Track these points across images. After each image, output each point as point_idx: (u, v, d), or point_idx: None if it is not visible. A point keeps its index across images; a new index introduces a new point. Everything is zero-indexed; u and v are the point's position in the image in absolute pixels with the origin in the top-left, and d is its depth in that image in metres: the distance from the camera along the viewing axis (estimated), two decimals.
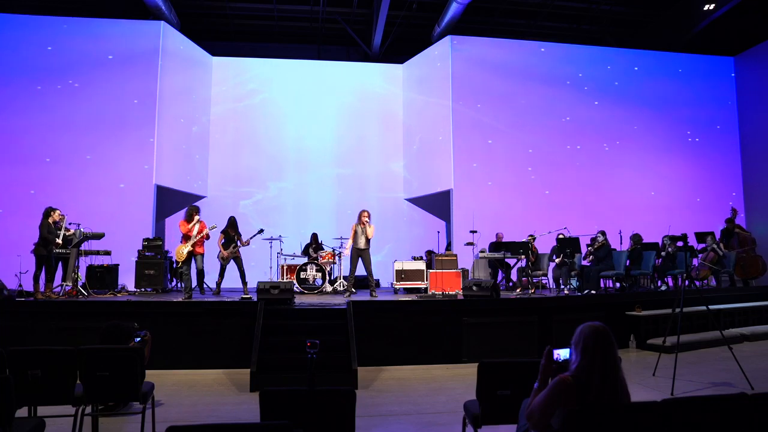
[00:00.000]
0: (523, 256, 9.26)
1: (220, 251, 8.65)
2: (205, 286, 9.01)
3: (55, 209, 7.69)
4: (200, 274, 8.65)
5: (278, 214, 12.11)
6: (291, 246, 10.49)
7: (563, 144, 12.07)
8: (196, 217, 8.07)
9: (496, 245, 9.89)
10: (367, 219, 8.36)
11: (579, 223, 10.62)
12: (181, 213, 11.57)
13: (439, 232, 11.22)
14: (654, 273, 9.50)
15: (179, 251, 7.97)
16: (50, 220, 7.53)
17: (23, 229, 8.66)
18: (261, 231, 8.76)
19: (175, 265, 10.04)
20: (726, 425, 2.39)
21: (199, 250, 8.12)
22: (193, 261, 8.07)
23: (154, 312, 6.71)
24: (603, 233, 9.00)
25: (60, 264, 8.00)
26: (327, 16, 12.57)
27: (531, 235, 9.83)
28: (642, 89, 12.59)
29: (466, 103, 11.66)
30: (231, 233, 8.51)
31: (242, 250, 8.58)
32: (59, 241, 7.58)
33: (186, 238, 7.98)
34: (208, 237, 8.20)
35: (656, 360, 6.21)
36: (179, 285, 10.03)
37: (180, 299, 7.26)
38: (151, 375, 4.29)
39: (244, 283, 8.31)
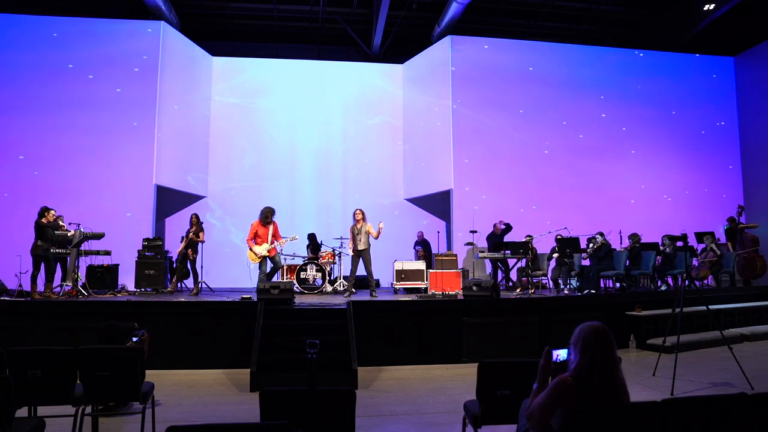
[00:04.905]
0: (523, 257, 9.26)
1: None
2: (203, 285, 9.06)
3: (50, 209, 7.64)
4: (273, 270, 8.70)
5: (277, 214, 12.04)
6: (291, 246, 10.47)
7: (563, 143, 12.06)
8: (272, 219, 8.41)
9: (493, 237, 9.86)
10: (360, 217, 8.37)
11: (579, 222, 10.61)
12: (180, 213, 11.59)
13: (439, 232, 11.22)
14: (654, 273, 9.51)
15: (260, 252, 8.24)
16: (44, 221, 7.51)
17: (23, 228, 8.66)
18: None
19: (174, 265, 10.03)
20: (726, 425, 2.39)
21: (271, 251, 8.44)
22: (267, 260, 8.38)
23: (154, 312, 6.71)
24: (602, 234, 9.00)
25: (59, 264, 7.99)
26: (327, 16, 12.56)
27: (528, 236, 9.83)
28: (642, 89, 12.59)
29: (465, 102, 11.65)
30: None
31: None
32: (53, 249, 7.44)
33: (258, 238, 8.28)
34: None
35: (656, 360, 6.21)
36: (180, 285, 10.02)
37: (181, 299, 7.26)
38: (151, 375, 4.29)
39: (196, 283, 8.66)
